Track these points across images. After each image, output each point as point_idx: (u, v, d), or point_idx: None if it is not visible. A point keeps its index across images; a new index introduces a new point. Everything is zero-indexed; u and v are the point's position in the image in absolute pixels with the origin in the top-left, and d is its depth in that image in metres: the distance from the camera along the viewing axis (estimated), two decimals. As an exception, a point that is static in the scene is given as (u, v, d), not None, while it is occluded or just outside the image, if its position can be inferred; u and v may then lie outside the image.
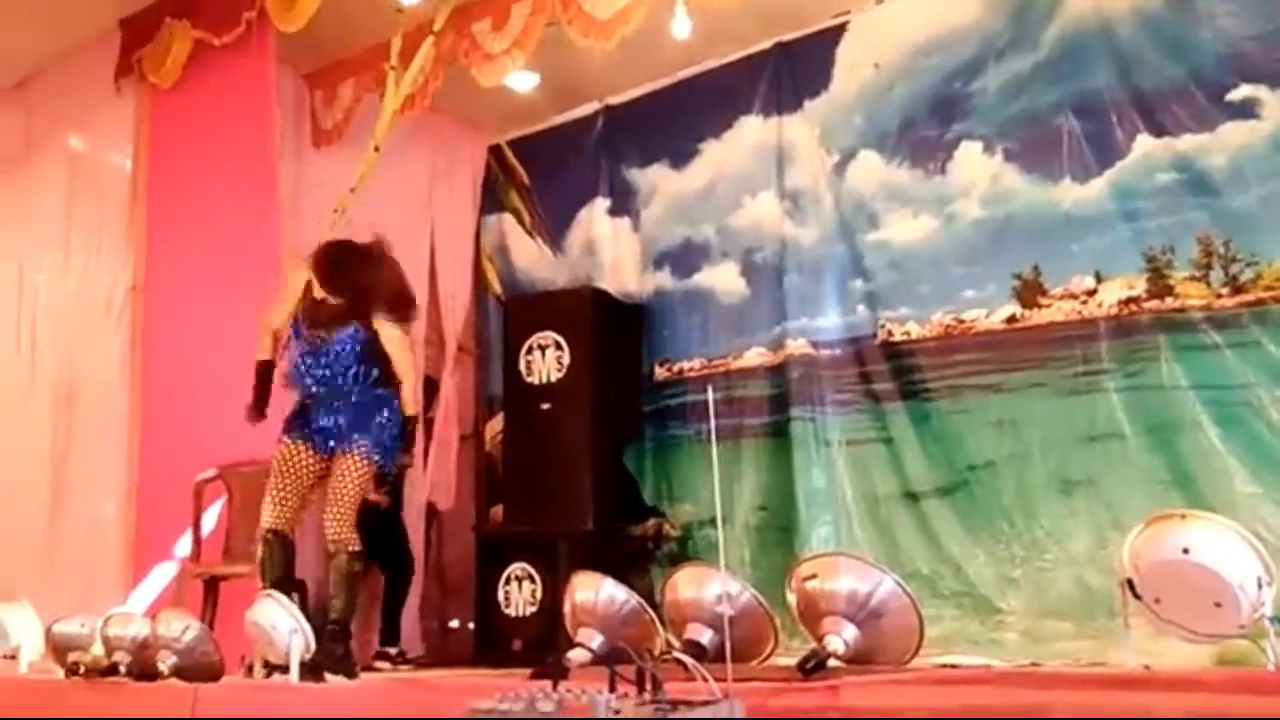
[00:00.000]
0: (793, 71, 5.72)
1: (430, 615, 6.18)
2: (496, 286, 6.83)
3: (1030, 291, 4.93)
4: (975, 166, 5.12)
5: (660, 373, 6.06)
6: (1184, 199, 4.57)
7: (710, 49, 5.76)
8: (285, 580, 4.13)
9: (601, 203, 6.40)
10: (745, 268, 5.86)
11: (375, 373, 4.24)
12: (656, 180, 6.22)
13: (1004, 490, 4.88)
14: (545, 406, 5.76)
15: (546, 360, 5.81)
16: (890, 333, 5.30)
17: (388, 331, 4.29)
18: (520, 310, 6.25)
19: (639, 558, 5.77)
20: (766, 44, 5.79)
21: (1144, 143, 4.65)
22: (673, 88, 6.13)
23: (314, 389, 4.21)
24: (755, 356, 5.74)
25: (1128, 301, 4.69)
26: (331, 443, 4.18)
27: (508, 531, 5.85)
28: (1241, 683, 2.13)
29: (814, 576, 3.10)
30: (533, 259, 6.69)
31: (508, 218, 6.83)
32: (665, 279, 6.12)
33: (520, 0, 4.90)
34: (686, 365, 5.98)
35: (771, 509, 5.49)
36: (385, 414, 4.20)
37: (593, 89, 6.30)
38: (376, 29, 5.38)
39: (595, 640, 3.37)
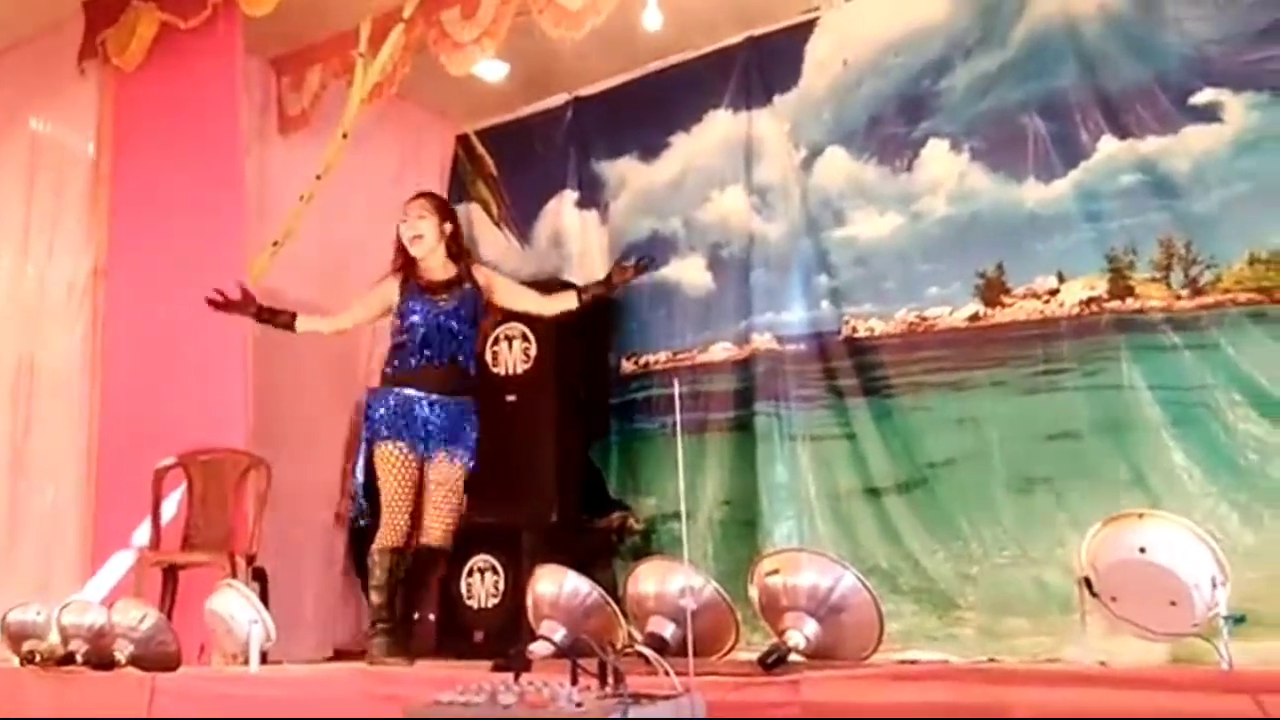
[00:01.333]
0: (762, 66, 5.73)
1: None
2: (463, 277, 6.78)
3: (993, 290, 4.96)
4: (941, 164, 5.15)
5: (626, 366, 6.06)
6: (1146, 201, 4.62)
7: (681, 41, 5.76)
8: (419, 589, 4.39)
9: (570, 194, 6.38)
10: (712, 262, 5.87)
11: (471, 367, 4.32)
12: (625, 172, 6.21)
13: (964, 487, 4.91)
14: (511, 398, 5.72)
15: (513, 352, 5.79)
16: (854, 329, 5.32)
17: (488, 274, 4.45)
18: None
19: (603, 551, 5.76)
20: (737, 38, 5.79)
21: (1108, 144, 4.69)
22: (643, 80, 6.12)
23: (423, 364, 4.22)
24: (721, 351, 5.75)
25: (1089, 301, 4.73)
26: (431, 445, 4.20)
27: (471, 523, 5.77)
28: (1195, 681, 2.16)
29: (776, 571, 3.10)
30: (500, 249, 6.65)
31: (475, 208, 6.79)
32: (631, 272, 6.10)
33: (491, -10, 4.88)
34: (653, 358, 5.98)
35: (735, 503, 5.51)
36: (472, 423, 4.32)
37: (563, 79, 6.28)
38: (344, 15, 5.35)
39: (558, 633, 3.37)
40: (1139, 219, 4.62)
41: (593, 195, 6.33)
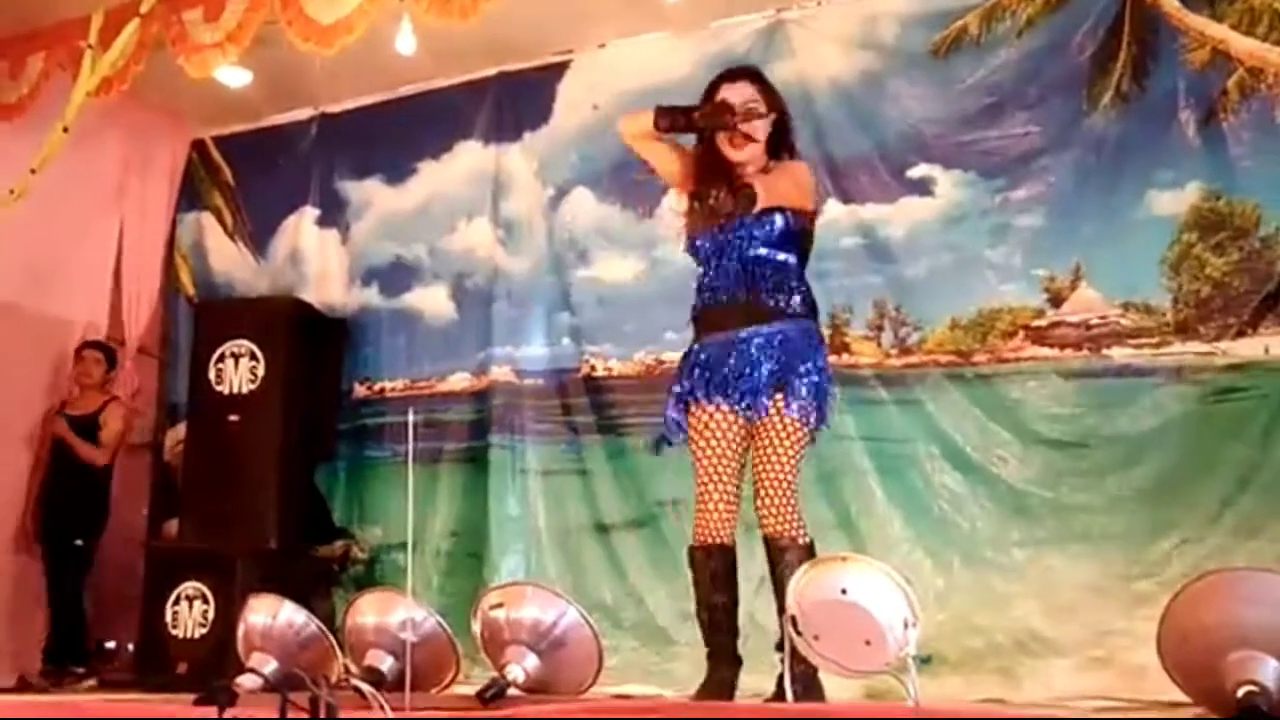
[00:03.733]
0: (515, 102, 5.78)
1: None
2: (190, 288, 6.48)
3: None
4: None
5: (360, 391, 5.94)
6: (864, 263, 4.94)
7: (434, 69, 5.72)
8: (732, 610, 3.20)
9: (310, 211, 6.22)
10: (455, 291, 5.85)
11: (797, 281, 3.20)
12: (370, 194, 6.11)
13: (689, 526, 5.05)
14: (234, 418, 5.50)
15: (239, 370, 5.56)
16: (593, 367, 5.43)
17: (804, 178, 3.22)
18: (214, 315, 5.95)
19: (323, 580, 5.60)
20: (490, 71, 5.82)
21: (833, 208, 4.97)
22: (393, 102, 6.05)
23: (720, 298, 3.19)
24: (459, 381, 5.74)
25: (810, 354, 5.00)
26: (753, 400, 3.11)
27: (182, 547, 5.53)
28: (885, 715, 2.31)
29: (500, 605, 3.11)
30: (232, 263, 6.40)
31: (208, 217, 6.51)
32: (373, 296, 6.01)
33: (237, -7, 4.71)
34: (389, 385, 5.90)
35: (463, 535, 5.49)
36: (816, 352, 3.18)
37: (310, 94, 6.11)
38: (74, 2, 5.02)
39: (269, 666, 3.24)
40: (857, 280, 4.94)
41: (334, 215, 6.18)
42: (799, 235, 3.23)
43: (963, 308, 4.73)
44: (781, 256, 3.19)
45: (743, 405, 3.14)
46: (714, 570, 3.21)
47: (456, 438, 5.63)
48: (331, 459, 5.85)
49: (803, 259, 3.26)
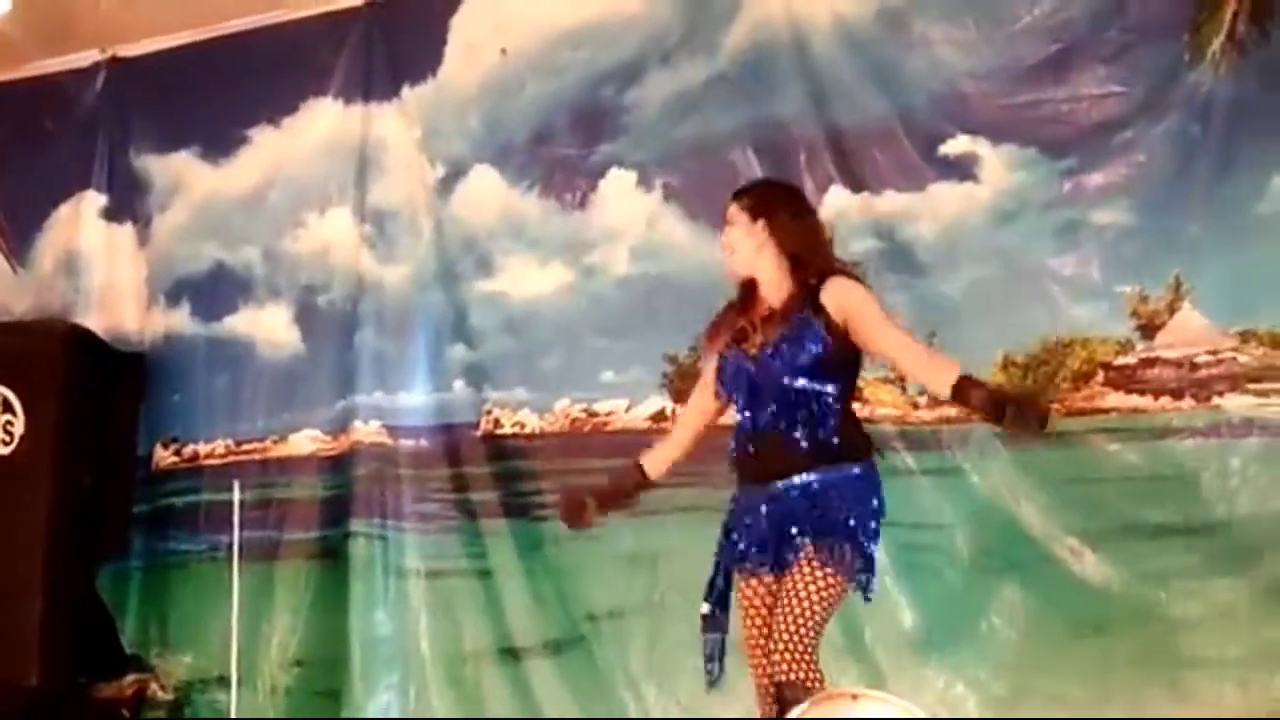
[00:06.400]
0: (389, 43, 5.82)
1: None
2: (-84, 310, 6.45)
3: (686, 380, 5.13)
4: (627, 204, 5.35)
5: (164, 456, 5.97)
6: (883, 275, 4.90)
7: (273, -3, 5.77)
8: None
9: (94, 198, 6.27)
10: (301, 312, 5.87)
11: (836, 418, 3.57)
12: (181, 174, 6.14)
13: (633, 647, 5.05)
14: (-20, 497, 5.48)
15: (-13, 428, 5.54)
16: (498, 422, 5.45)
17: (846, 295, 3.60)
18: (-49, 350, 5.92)
19: (109, 731, 5.58)
20: (356, 0, 5.84)
21: (838, 197, 4.99)
22: (215, 44, 6.09)
23: (750, 448, 3.60)
24: (306, 441, 5.77)
25: (804, 404, 5.02)
26: (785, 561, 3.48)
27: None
28: None
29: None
30: (-22, 272, 6.38)
31: (-57, 208, 6.50)
32: (183, 320, 6.04)
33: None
34: (204, 448, 5.92)
35: (313, 664, 5.49)
36: (864, 502, 3.54)
37: (95, 29, 6.13)
38: None
39: None
40: (872, 298, 4.94)
41: (130, 202, 6.23)
42: (842, 360, 3.58)
43: (1019, 339, 4.76)
44: (820, 387, 3.56)
45: (771, 567, 3.51)
46: None
47: (303, 524, 5.65)
48: (122, 556, 5.84)
49: (847, 389, 3.63)
